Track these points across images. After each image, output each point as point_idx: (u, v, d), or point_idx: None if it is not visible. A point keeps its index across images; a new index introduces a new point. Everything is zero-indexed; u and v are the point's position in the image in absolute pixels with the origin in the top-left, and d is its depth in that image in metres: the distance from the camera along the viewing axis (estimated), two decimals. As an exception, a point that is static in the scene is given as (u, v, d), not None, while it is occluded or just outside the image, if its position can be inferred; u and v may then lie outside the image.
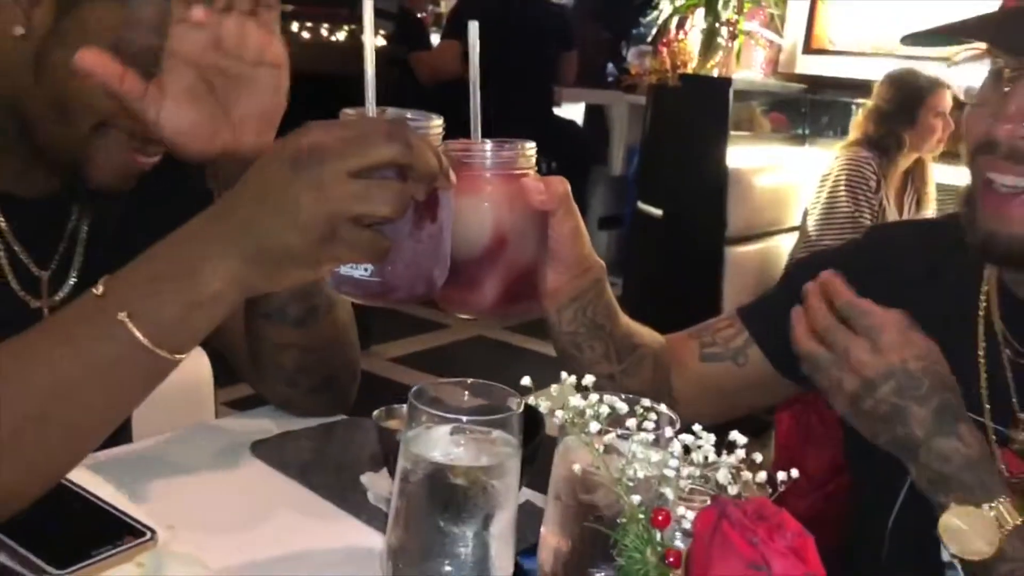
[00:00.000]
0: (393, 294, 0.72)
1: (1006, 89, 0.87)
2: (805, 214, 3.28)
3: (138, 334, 0.67)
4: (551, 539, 0.63)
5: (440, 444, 0.63)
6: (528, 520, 0.71)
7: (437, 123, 0.73)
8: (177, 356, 0.70)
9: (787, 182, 3.66)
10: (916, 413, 0.85)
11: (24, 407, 0.69)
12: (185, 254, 0.69)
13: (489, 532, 0.63)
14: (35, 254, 1.02)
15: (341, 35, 3.99)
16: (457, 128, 0.80)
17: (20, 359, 0.70)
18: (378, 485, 0.92)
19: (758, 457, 0.55)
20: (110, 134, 0.91)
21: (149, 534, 0.80)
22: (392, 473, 0.86)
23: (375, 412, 1.01)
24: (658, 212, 3.74)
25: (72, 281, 1.04)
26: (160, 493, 0.91)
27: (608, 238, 5.47)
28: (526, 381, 0.60)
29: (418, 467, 0.62)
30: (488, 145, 0.79)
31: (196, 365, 1.35)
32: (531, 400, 0.59)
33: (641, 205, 3.85)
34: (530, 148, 0.81)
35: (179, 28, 0.82)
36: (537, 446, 0.86)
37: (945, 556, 0.92)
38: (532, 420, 0.83)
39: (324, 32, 4.01)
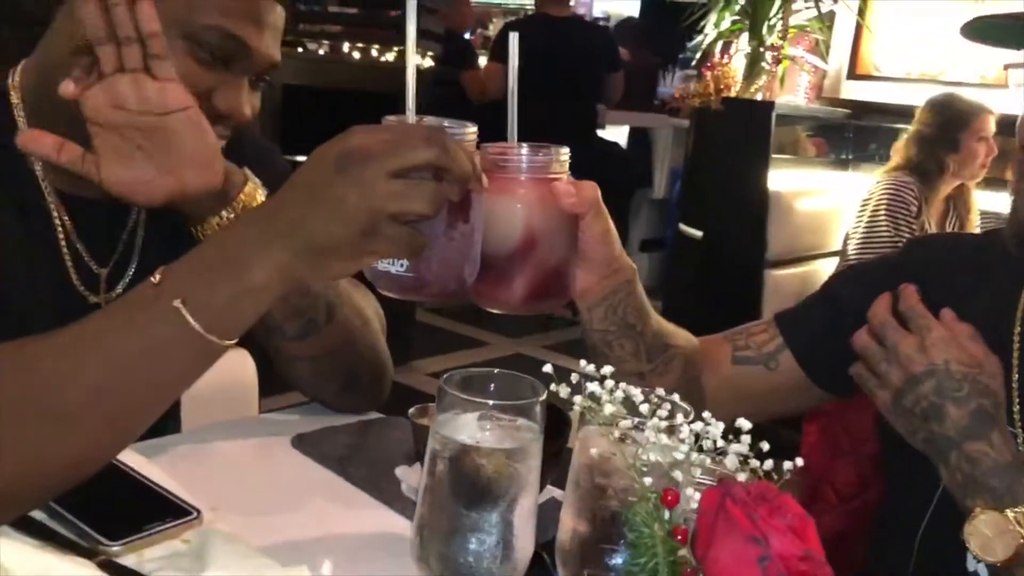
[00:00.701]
0: (426, 289, 0.76)
1: None
2: (846, 238, 3.28)
3: (191, 319, 0.73)
4: (569, 521, 0.67)
5: (467, 428, 0.67)
6: (552, 515, 0.74)
7: (472, 130, 0.77)
8: (226, 342, 0.75)
9: (829, 206, 3.66)
10: (952, 413, 0.88)
11: (89, 379, 0.75)
12: (235, 246, 0.75)
13: (512, 513, 0.66)
14: (96, 252, 1.08)
15: (391, 56, 4.09)
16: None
17: (85, 338, 0.77)
18: (412, 478, 0.96)
19: (765, 446, 0.59)
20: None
21: (195, 513, 0.85)
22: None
23: (410, 410, 1.06)
24: (699, 234, 3.76)
25: (129, 277, 1.10)
26: (205, 478, 0.96)
27: (650, 260, 5.49)
28: (548, 368, 0.64)
29: (446, 448, 0.66)
30: (524, 149, 0.84)
31: (241, 367, 1.41)
32: (552, 387, 0.63)
33: (683, 227, 3.87)
34: (564, 153, 0.85)
35: (85, 96, 0.87)
36: (563, 445, 0.90)
37: (971, 566, 0.94)
38: (560, 420, 0.87)
39: (375, 53, 4.11)
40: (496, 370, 0.69)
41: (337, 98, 3.59)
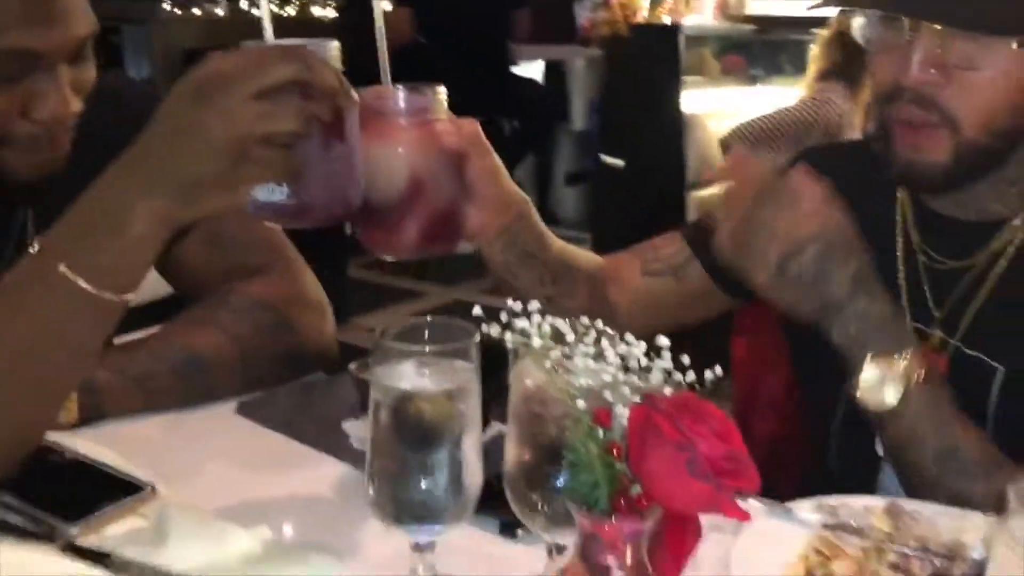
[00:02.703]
0: (311, 214, 0.76)
1: (908, 38, 0.93)
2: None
3: (81, 282, 0.72)
4: (513, 451, 0.70)
5: (407, 376, 0.69)
6: (501, 450, 0.77)
7: (334, 45, 0.76)
8: (122, 296, 0.75)
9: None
10: (838, 275, 0.93)
11: None
12: (109, 200, 0.73)
13: (459, 451, 0.70)
14: None
15: (291, 10, 3.99)
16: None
17: None
18: (360, 430, 0.99)
19: (685, 359, 0.62)
20: (14, 143, 0.93)
21: (147, 488, 0.87)
22: (371, 417, 0.94)
23: (351, 365, 1.08)
24: (620, 163, 3.81)
25: None
26: (152, 454, 0.95)
27: (576, 193, 5.53)
28: (477, 311, 0.66)
29: (388, 397, 0.68)
30: (400, 92, 0.84)
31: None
32: (483, 328, 0.66)
33: (604, 157, 3.91)
34: (441, 92, 0.85)
35: None
36: (504, 382, 0.93)
37: (879, 450, 1.01)
38: (500, 359, 0.90)
39: (274, 8, 4.01)
40: (428, 318, 0.72)
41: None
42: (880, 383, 0.92)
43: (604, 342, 0.62)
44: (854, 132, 2.98)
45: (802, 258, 0.92)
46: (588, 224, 4.12)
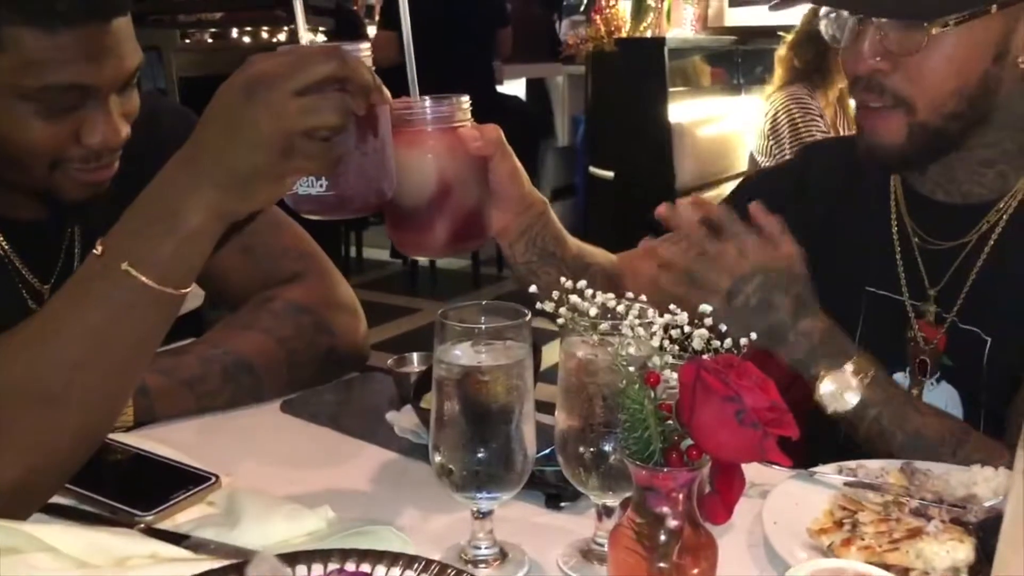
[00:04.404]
0: (350, 205, 0.82)
1: (857, 31, 1.03)
2: (751, 159, 3.44)
3: (143, 278, 0.78)
4: (564, 421, 0.77)
5: (466, 354, 0.76)
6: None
7: (366, 46, 0.82)
8: (182, 290, 0.80)
9: (728, 131, 3.83)
10: (780, 302, 1.01)
11: (64, 358, 0.80)
12: (165, 197, 0.79)
13: (515, 422, 0.76)
14: (37, 271, 1.11)
15: (282, 36, 4.06)
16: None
17: (50, 322, 0.81)
18: (402, 420, 1.05)
19: (723, 327, 0.69)
20: (67, 166, 0.99)
21: (214, 478, 0.92)
22: (414, 407, 1.00)
23: (388, 361, 1.14)
24: (609, 175, 3.89)
25: None
26: (210, 451, 1.01)
27: (563, 208, 5.61)
28: (533, 289, 0.73)
29: (452, 373, 0.75)
30: (427, 101, 0.90)
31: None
32: (538, 306, 0.72)
33: (593, 170, 4.00)
34: (465, 101, 0.92)
35: None
36: (536, 369, 1.00)
37: None
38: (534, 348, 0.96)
39: (265, 35, 4.08)
40: (484, 302, 0.78)
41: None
42: (838, 391, 1.00)
43: (650, 312, 0.69)
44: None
45: (747, 288, 1.01)
46: (579, 236, 4.19)
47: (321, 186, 0.80)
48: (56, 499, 0.88)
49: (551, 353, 0.83)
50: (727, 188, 3.84)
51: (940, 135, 1.04)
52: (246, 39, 4.11)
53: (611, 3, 4.06)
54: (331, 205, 0.82)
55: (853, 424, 1.01)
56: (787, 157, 3.12)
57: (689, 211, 1.05)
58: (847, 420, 1.01)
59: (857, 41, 1.03)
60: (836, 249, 1.18)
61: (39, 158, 0.97)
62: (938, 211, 1.12)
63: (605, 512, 0.80)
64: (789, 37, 3.20)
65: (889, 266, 1.13)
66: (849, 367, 1.00)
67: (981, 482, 0.86)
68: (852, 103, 3.31)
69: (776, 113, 3.19)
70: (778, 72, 3.24)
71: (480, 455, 0.75)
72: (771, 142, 3.23)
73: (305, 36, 0.85)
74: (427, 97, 0.91)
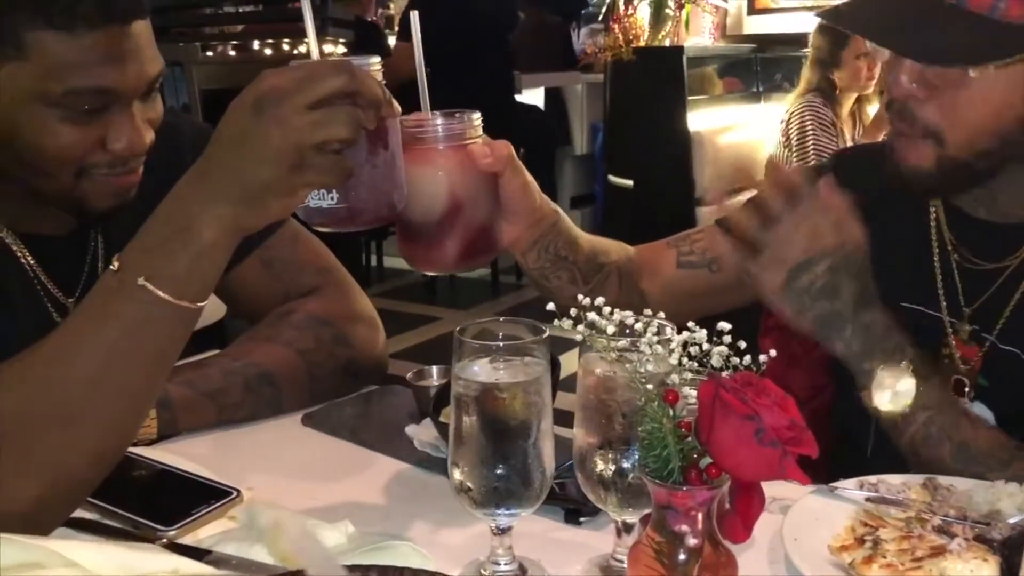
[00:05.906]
0: (361, 217, 0.82)
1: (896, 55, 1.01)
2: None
3: (160, 292, 0.78)
4: (582, 438, 0.77)
5: (484, 371, 0.76)
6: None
7: (376, 60, 0.83)
8: (198, 304, 0.81)
9: (747, 138, 3.82)
10: (846, 288, 0.97)
11: (82, 375, 0.80)
12: (179, 212, 0.79)
13: (534, 438, 0.76)
14: (62, 285, 1.12)
15: (303, 48, 4.07)
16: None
17: (67, 339, 0.82)
18: (422, 434, 1.05)
19: (742, 344, 0.69)
20: (93, 173, 1.00)
21: (235, 493, 0.93)
22: (434, 421, 1.00)
23: (408, 375, 1.15)
24: (629, 183, 3.89)
25: None
26: (230, 465, 1.02)
27: (582, 217, 5.62)
28: (551, 306, 0.73)
29: (470, 390, 0.75)
30: (439, 119, 0.90)
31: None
32: (555, 323, 0.72)
33: (612, 178, 3.99)
34: (476, 118, 0.92)
35: None
36: (555, 383, 1.00)
37: None
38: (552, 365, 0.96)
39: (286, 47, 4.11)
40: (502, 318, 0.78)
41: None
42: (891, 390, 0.97)
43: (668, 330, 0.69)
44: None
45: (815, 269, 0.97)
46: (598, 244, 4.19)
47: (332, 199, 0.80)
48: (79, 513, 0.89)
49: (570, 362, 0.83)
50: (747, 196, 3.82)
51: (970, 169, 1.02)
52: (268, 51, 4.14)
53: (629, 12, 4.06)
54: (342, 218, 0.82)
55: (900, 427, 0.98)
56: (809, 160, 3.13)
57: (794, 175, 1.01)
58: (895, 422, 0.98)
59: (897, 61, 1.00)
60: (872, 260, 1.17)
61: (66, 165, 0.98)
62: (979, 229, 1.10)
63: (624, 528, 0.80)
64: (809, 53, 3.34)
65: (927, 282, 1.10)
66: (906, 367, 0.96)
67: (1005, 498, 0.85)
68: (870, 112, 3.37)
69: (790, 120, 3.24)
70: (800, 82, 3.35)
71: (499, 472, 0.75)
72: (786, 150, 3.26)
73: (316, 51, 0.86)
74: (438, 113, 0.92)
